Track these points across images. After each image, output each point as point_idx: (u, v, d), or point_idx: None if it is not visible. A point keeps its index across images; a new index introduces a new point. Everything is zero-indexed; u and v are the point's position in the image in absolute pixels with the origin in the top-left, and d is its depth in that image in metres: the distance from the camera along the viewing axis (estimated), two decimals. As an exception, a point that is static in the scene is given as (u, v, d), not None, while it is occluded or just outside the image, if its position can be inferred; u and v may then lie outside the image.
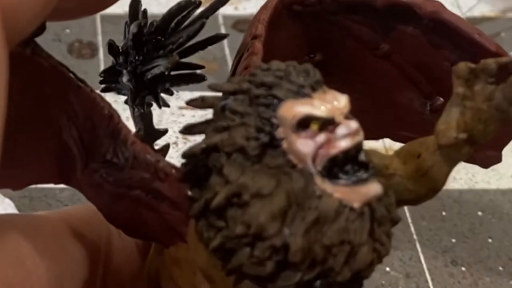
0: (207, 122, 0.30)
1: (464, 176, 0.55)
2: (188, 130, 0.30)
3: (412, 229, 0.52)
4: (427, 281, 0.49)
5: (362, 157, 0.28)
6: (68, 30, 0.62)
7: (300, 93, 0.28)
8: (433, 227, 0.52)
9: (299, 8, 0.36)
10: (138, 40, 0.36)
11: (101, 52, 0.61)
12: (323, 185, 0.28)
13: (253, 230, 0.28)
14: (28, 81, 0.33)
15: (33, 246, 0.32)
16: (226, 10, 0.64)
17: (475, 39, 0.35)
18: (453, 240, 0.51)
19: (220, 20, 0.63)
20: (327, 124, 0.28)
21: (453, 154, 0.30)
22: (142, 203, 0.31)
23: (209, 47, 0.38)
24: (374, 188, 0.28)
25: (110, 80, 0.37)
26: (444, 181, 0.31)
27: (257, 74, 0.29)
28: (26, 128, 0.35)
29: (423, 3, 0.35)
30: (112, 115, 0.31)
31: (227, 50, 0.61)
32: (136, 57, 0.37)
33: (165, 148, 0.38)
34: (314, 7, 0.36)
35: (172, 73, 0.37)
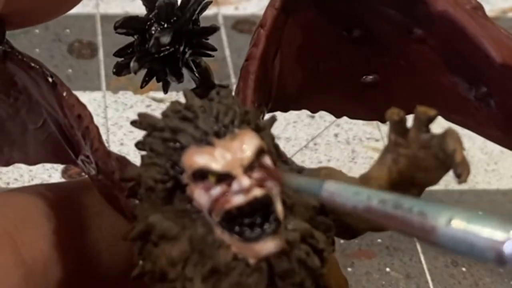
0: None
1: (465, 177, 0.55)
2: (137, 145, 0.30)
3: (413, 229, 0.52)
4: (427, 282, 0.49)
5: (272, 208, 0.27)
6: (68, 30, 0.62)
7: (203, 141, 0.28)
8: (433, 228, 0.52)
9: None
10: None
11: (101, 52, 0.60)
12: (222, 236, 0.28)
13: (158, 270, 0.28)
14: (7, 81, 0.33)
15: (66, 223, 0.32)
16: (226, 10, 0.64)
17: (482, 47, 0.33)
18: (454, 241, 0.51)
19: (220, 20, 0.63)
20: (224, 177, 0.27)
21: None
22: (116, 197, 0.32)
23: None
24: (268, 246, 0.27)
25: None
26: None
27: (171, 113, 0.29)
28: (18, 121, 0.35)
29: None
30: (81, 116, 0.31)
31: (227, 51, 0.61)
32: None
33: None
34: None
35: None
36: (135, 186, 0.29)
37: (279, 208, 0.28)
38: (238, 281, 0.28)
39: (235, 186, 0.27)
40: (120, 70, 0.34)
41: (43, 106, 0.34)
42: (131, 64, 0.34)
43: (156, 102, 0.58)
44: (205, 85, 0.36)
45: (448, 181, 0.55)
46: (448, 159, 0.28)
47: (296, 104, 0.38)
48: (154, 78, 0.35)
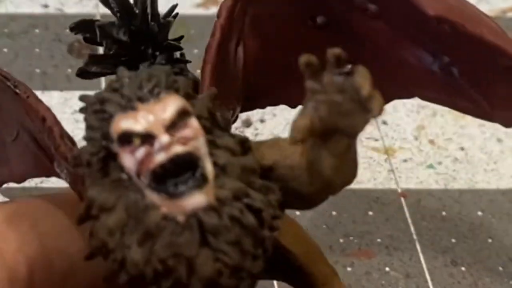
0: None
1: (464, 176, 0.55)
2: None
3: (412, 229, 0.52)
4: (427, 281, 0.49)
5: (199, 164, 0.28)
6: (68, 30, 0.62)
7: (127, 107, 0.29)
8: (433, 227, 0.52)
9: None
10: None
11: (101, 52, 0.60)
12: (152, 198, 0.28)
13: (100, 243, 0.29)
14: None
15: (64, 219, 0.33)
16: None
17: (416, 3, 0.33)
18: (453, 240, 0.51)
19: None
20: (147, 138, 0.28)
21: (329, 147, 0.30)
22: None
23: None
24: (194, 200, 0.28)
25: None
26: (331, 174, 0.30)
27: (104, 89, 0.30)
28: None
29: None
30: (45, 118, 0.32)
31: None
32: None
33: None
34: None
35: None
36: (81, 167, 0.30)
37: (207, 165, 0.28)
38: (170, 241, 0.28)
39: (156, 145, 0.28)
40: (82, 74, 0.35)
41: (14, 116, 0.34)
42: (91, 68, 0.34)
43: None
44: None
45: (447, 180, 0.56)
46: (361, 98, 0.27)
47: (271, 99, 0.38)
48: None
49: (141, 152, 0.28)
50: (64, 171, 0.33)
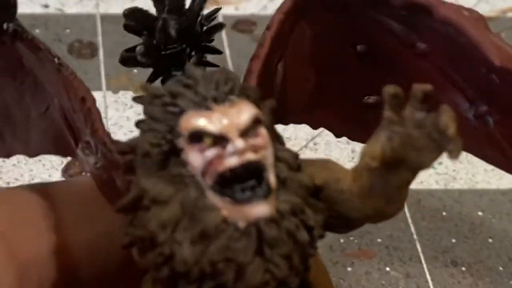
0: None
1: (464, 176, 0.55)
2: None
3: (412, 229, 0.52)
4: (427, 281, 0.49)
5: (265, 174, 0.28)
6: (68, 30, 0.62)
7: (201, 105, 0.28)
8: (433, 227, 0.52)
9: (331, 4, 0.35)
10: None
11: (101, 52, 0.60)
12: (214, 199, 0.28)
13: (147, 235, 0.28)
14: (14, 63, 0.33)
15: (59, 219, 0.33)
16: (226, 10, 0.64)
17: (482, 50, 0.33)
18: (453, 240, 0.51)
19: (220, 20, 0.63)
20: (220, 140, 0.28)
21: (391, 178, 0.30)
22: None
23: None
24: (258, 209, 0.28)
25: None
26: (385, 205, 0.30)
27: (173, 83, 0.30)
28: (23, 106, 0.35)
29: (438, 5, 0.34)
30: (84, 99, 0.31)
31: (227, 51, 0.61)
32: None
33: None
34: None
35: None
36: (131, 160, 0.30)
37: (271, 176, 0.28)
38: (227, 244, 0.28)
39: (229, 148, 0.28)
40: (125, 61, 0.34)
41: (48, 90, 0.34)
42: (138, 57, 0.34)
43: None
44: None
45: (447, 180, 0.56)
46: (441, 136, 0.28)
47: (296, 117, 0.38)
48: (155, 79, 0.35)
49: (211, 152, 0.28)
50: (90, 156, 0.32)
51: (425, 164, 0.29)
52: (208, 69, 0.32)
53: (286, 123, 0.39)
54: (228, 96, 0.29)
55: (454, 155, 0.27)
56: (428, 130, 0.28)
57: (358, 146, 0.58)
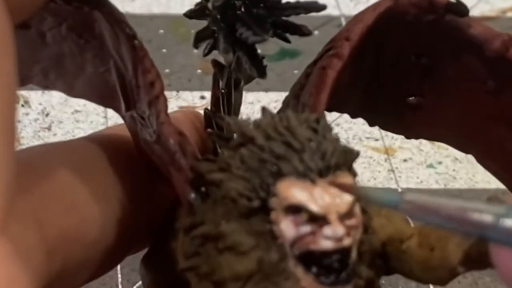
0: (224, 147, 0.29)
1: (464, 176, 0.55)
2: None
3: (412, 229, 0.52)
4: (427, 281, 0.49)
5: (351, 259, 0.27)
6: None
7: (305, 176, 0.27)
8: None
9: (411, 19, 0.34)
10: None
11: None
12: (295, 269, 0.27)
13: (216, 278, 0.28)
14: (84, 25, 0.33)
15: (87, 191, 0.31)
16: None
17: None
18: (453, 240, 0.51)
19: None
20: (317, 218, 0.27)
21: (470, 268, 0.29)
22: (160, 167, 0.31)
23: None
24: None
25: (203, 40, 0.34)
26: (448, 282, 0.30)
27: (273, 134, 0.28)
28: (79, 61, 0.35)
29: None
30: (154, 84, 0.31)
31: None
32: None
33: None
34: (428, 18, 0.34)
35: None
36: (205, 183, 0.29)
37: (354, 255, 0.28)
38: None
39: (328, 231, 0.27)
40: (198, 40, 0.33)
41: (113, 58, 0.33)
42: (221, 45, 0.32)
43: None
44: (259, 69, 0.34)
45: (447, 180, 0.55)
46: None
47: (339, 108, 0.38)
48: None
49: (307, 229, 0.27)
50: (144, 129, 0.31)
51: None
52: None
53: (329, 110, 0.38)
54: (332, 169, 0.27)
55: None
56: None
57: (358, 146, 0.58)
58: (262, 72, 0.33)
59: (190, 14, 0.33)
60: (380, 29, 0.34)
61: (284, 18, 0.32)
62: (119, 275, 0.48)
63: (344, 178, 0.28)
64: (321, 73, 0.32)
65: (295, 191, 0.27)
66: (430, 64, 0.36)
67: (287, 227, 0.27)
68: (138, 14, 0.67)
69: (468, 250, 0.28)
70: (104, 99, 0.35)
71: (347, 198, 0.27)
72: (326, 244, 0.27)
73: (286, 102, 0.35)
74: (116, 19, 0.31)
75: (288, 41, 0.33)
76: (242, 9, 0.32)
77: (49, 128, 0.58)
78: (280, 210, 0.27)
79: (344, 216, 0.27)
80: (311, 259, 0.27)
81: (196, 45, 0.33)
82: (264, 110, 0.30)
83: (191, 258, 0.29)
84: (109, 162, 0.34)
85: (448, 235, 0.29)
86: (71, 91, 0.37)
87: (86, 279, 0.33)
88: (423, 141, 0.58)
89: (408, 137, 0.39)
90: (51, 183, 0.31)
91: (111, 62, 0.33)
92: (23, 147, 0.56)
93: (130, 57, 0.31)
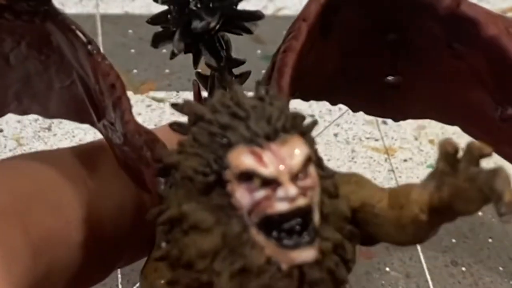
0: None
1: (464, 176, 0.55)
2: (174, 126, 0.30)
3: (412, 229, 0.52)
4: (427, 281, 0.49)
5: (312, 221, 0.27)
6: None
7: (253, 142, 0.28)
8: (433, 227, 0.52)
9: None
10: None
11: (101, 52, 0.60)
12: (257, 237, 0.28)
13: (185, 259, 0.28)
14: (41, 39, 0.33)
15: (72, 194, 0.32)
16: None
17: None
18: (453, 240, 0.51)
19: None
20: (270, 182, 0.27)
21: (434, 221, 0.29)
22: (136, 168, 0.32)
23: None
24: (304, 255, 0.27)
25: (162, 40, 0.35)
26: (424, 238, 0.30)
27: (220, 107, 0.29)
28: (45, 78, 0.35)
29: (486, 23, 0.34)
30: (114, 86, 0.31)
31: (227, 50, 0.61)
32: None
33: (245, 75, 0.36)
34: None
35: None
36: (168, 169, 0.29)
37: (316, 217, 0.28)
38: (268, 283, 0.28)
39: (280, 193, 0.27)
40: (157, 41, 0.34)
41: (75, 68, 0.33)
42: (175, 42, 0.33)
43: (156, 102, 0.58)
44: (229, 62, 0.35)
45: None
46: (494, 196, 0.27)
47: (317, 95, 0.38)
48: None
49: (260, 194, 0.27)
50: (115, 134, 0.32)
51: (470, 212, 0.28)
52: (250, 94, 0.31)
53: (306, 100, 0.38)
54: (280, 133, 0.28)
55: (506, 219, 0.27)
56: (479, 184, 0.27)
57: (358, 146, 0.58)
58: (219, 61, 0.35)
59: (152, 21, 0.34)
60: (336, 6, 0.34)
61: (235, 7, 0.34)
62: (119, 275, 0.49)
63: (294, 141, 0.28)
64: (283, 56, 0.33)
65: (244, 158, 0.27)
66: (398, 40, 0.36)
67: (242, 196, 0.27)
68: (138, 14, 0.67)
69: (429, 197, 0.28)
70: (79, 115, 0.36)
71: (298, 158, 0.27)
72: (281, 206, 0.27)
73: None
74: (68, 27, 0.32)
75: (250, 32, 0.35)
76: (198, 5, 0.33)
77: (49, 128, 0.58)
78: (234, 180, 0.27)
79: (297, 177, 0.27)
80: (272, 225, 0.27)
81: (155, 45, 0.34)
82: (214, 90, 0.30)
83: (162, 247, 0.29)
84: (96, 169, 0.34)
85: (412, 189, 0.29)
86: (48, 113, 0.37)
87: (79, 285, 0.33)
88: (423, 141, 0.58)
89: (395, 119, 0.39)
90: (35, 185, 0.31)
91: (74, 73, 0.34)
92: (23, 147, 0.56)
93: (88, 63, 0.32)
